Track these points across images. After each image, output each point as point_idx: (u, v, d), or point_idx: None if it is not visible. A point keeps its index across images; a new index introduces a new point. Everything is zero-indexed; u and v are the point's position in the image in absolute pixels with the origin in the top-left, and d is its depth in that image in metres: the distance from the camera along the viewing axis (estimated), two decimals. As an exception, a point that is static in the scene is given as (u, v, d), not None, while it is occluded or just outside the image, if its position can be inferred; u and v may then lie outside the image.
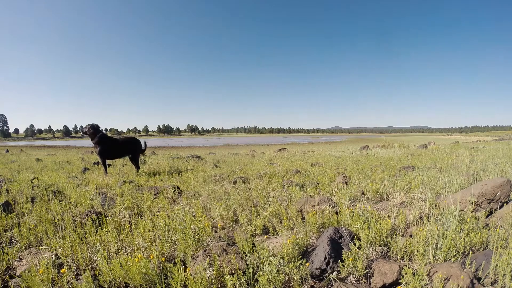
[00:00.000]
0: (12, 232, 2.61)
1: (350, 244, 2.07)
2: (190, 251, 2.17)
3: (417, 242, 2.07)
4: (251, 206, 3.22)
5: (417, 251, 2.00)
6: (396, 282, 1.74)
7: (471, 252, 2.01)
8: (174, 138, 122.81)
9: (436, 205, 2.92)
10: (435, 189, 3.51)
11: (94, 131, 6.10)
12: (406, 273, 1.68)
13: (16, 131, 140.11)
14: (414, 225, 2.62)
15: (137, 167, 6.81)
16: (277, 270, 1.77)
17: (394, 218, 2.71)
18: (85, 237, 2.38)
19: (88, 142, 6.23)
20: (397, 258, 2.09)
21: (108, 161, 6.54)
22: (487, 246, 2.17)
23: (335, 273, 1.84)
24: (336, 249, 2.02)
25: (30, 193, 3.92)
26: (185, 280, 1.71)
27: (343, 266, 1.85)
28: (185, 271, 1.72)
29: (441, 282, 1.61)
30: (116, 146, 6.41)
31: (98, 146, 6.10)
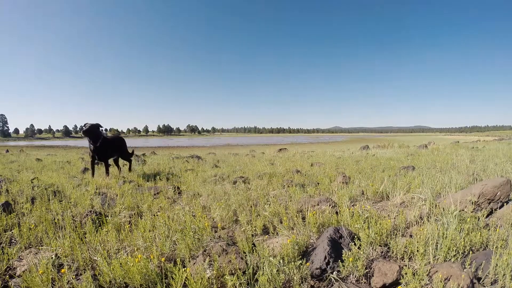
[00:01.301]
0: (12, 232, 2.61)
1: (350, 244, 2.07)
2: (190, 251, 2.17)
3: (417, 242, 2.07)
4: (251, 206, 3.22)
5: (417, 251, 2.00)
6: (396, 282, 1.74)
7: (471, 252, 2.01)
8: (174, 138, 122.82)
9: (436, 205, 2.92)
10: (435, 189, 3.51)
11: (98, 132, 5.44)
12: (406, 273, 1.68)
13: (16, 131, 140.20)
14: (414, 225, 2.62)
15: (130, 168, 6.71)
16: (277, 270, 1.77)
17: (394, 218, 2.71)
18: (85, 237, 2.38)
19: (88, 142, 5.51)
20: (397, 258, 2.09)
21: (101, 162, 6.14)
22: (487, 246, 2.17)
23: (335, 273, 1.84)
24: (336, 249, 2.02)
25: (30, 193, 3.92)
26: (185, 280, 1.71)
27: (343, 266, 1.85)
28: (185, 271, 1.72)
29: (441, 282, 1.61)
30: (112, 146, 6.07)
31: (102, 147, 5.51)
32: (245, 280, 1.73)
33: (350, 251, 1.97)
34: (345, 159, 8.80)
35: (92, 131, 5.31)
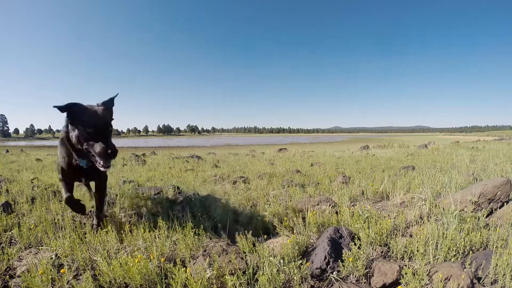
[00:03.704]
0: (12, 232, 2.60)
1: (350, 244, 2.07)
2: (190, 251, 2.17)
3: (417, 242, 2.07)
4: (251, 206, 3.22)
5: (417, 251, 2.00)
6: (396, 282, 1.73)
7: (471, 252, 2.01)
8: (174, 138, 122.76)
9: (436, 205, 2.92)
10: (435, 189, 3.51)
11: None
12: (406, 273, 1.68)
13: (16, 131, 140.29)
14: (414, 225, 2.62)
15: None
16: (277, 270, 1.77)
17: (394, 218, 2.71)
18: (85, 237, 2.38)
19: None
20: (397, 258, 2.09)
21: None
22: (487, 246, 2.17)
23: (335, 273, 1.84)
24: (336, 249, 2.02)
25: (30, 193, 3.92)
26: (185, 280, 1.71)
27: (343, 266, 1.85)
28: (185, 271, 1.72)
29: (441, 282, 1.61)
30: None
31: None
32: (245, 280, 1.73)
33: (350, 251, 1.97)
34: (345, 159, 8.80)
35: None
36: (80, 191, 4.22)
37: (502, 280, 1.69)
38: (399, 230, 2.43)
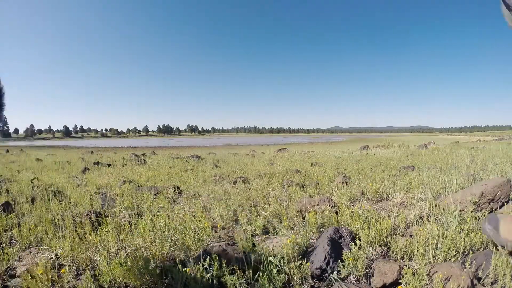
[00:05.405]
0: (12, 232, 2.61)
1: (350, 244, 2.07)
2: (190, 251, 2.17)
3: (417, 242, 2.06)
4: (251, 206, 3.22)
5: (417, 251, 2.00)
6: (396, 282, 1.73)
7: (471, 252, 2.01)
8: (174, 138, 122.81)
9: (436, 205, 2.92)
10: (435, 189, 3.51)
11: None
12: (406, 273, 1.68)
13: (16, 131, 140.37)
14: (414, 225, 2.62)
15: None
16: (277, 270, 1.77)
17: (394, 218, 2.71)
18: (85, 237, 2.38)
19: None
20: (397, 258, 2.09)
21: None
22: (487, 246, 2.16)
23: (335, 273, 1.84)
24: (336, 249, 2.01)
25: (30, 193, 3.92)
26: (185, 280, 1.71)
27: (343, 266, 1.85)
28: (185, 271, 1.72)
29: (441, 282, 1.61)
30: None
31: None
32: (245, 280, 1.73)
33: (350, 251, 1.96)
34: (345, 159, 8.80)
35: None
36: (80, 191, 4.22)
37: (502, 280, 1.69)
38: (399, 230, 2.43)
